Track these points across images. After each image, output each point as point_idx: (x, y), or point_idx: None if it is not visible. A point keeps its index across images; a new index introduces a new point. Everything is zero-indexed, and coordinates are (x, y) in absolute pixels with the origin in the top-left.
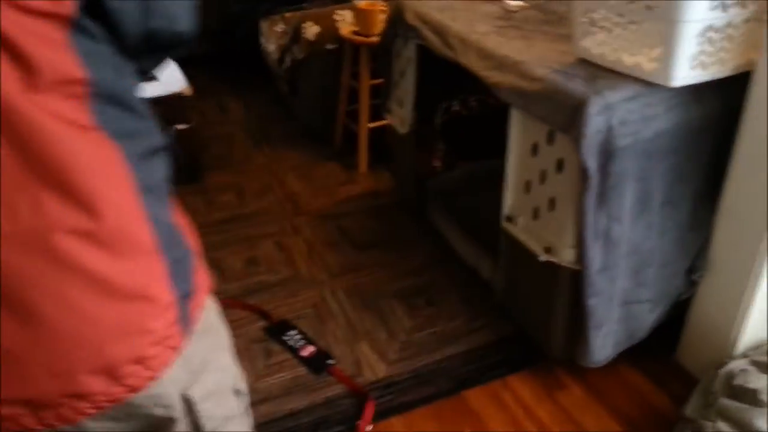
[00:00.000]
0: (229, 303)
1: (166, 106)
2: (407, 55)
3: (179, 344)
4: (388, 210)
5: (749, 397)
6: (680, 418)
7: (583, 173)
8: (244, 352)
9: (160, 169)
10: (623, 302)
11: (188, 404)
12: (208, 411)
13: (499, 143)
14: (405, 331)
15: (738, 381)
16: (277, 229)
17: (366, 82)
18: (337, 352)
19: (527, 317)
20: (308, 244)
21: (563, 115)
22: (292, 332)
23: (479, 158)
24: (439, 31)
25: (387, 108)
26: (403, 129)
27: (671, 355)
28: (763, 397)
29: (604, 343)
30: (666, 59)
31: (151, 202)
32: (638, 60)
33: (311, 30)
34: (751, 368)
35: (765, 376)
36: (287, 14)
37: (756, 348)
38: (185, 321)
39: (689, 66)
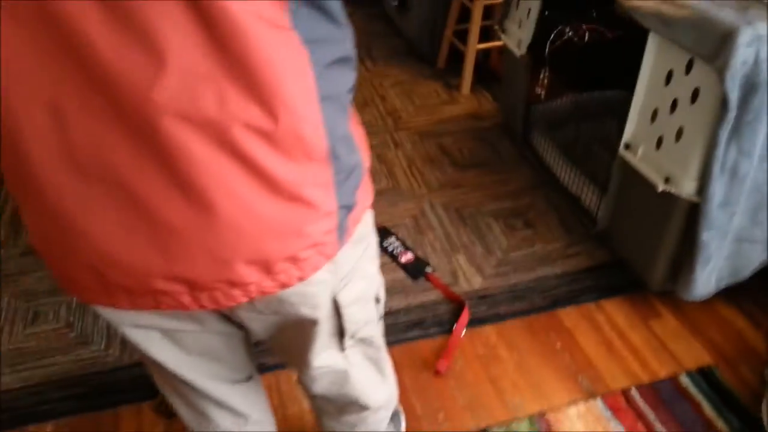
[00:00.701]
0: None
1: None
2: None
3: (332, 253)
4: (490, 132)
5: None
6: None
7: (723, 105)
8: None
9: (346, 79)
10: (736, 239)
11: (336, 307)
12: (351, 315)
13: (607, 75)
14: (501, 249)
15: None
16: (378, 141)
17: (481, 1)
18: (434, 261)
19: (630, 247)
20: (408, 158)
21: (709, 43)
22: (392, 239)
23: (585, 89)
24: None
25: (503, 28)
26: (519, 51)
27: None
28: None
29: (708, 278)
30: None
31: (330, 111)
32: None
33: None
34: None
35: None
36: None
37: None
38: (341, 231)
39: None
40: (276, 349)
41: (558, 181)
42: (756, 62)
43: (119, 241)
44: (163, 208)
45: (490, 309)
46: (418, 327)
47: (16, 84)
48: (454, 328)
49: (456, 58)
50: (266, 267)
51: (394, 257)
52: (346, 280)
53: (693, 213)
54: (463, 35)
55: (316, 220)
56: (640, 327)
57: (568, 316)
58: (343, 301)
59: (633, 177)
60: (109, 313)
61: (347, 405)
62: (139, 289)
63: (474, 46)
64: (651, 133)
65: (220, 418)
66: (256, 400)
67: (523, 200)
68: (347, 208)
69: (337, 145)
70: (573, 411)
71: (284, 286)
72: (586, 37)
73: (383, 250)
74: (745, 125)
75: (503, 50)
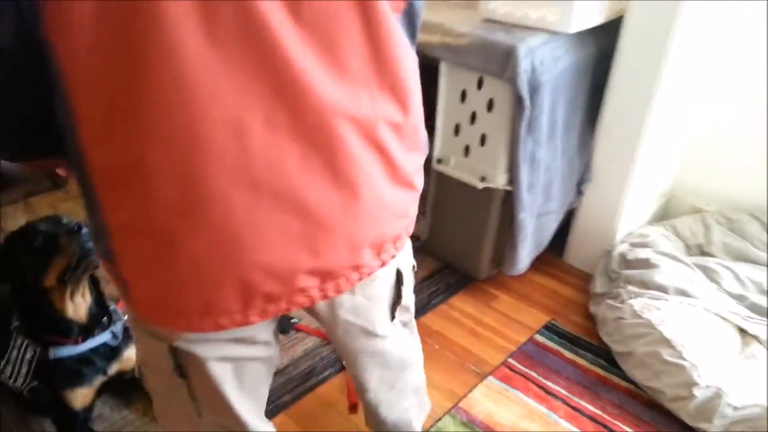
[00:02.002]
0: None
1: None
2: None
3: (412, 230)
4: None
5: (645, 263)
6: (592, 295)
7: (520, 105)
8: None
9: None
10: (538, 215)
11: (399, 278)
12: (407, 284)
13: None
14: None
15: (631, 256)
16: None
17: None
18: (295, 312)
19: (455, 249)
20: None
21: (495, 61)
22: None
23: None
24: None
25: None
26: None
27: (559, 258)
28: (655, 261)
29: (525, 253)
30: (566, 12)
31: None
32: (543, 13)
33: None
34: (633, 248)
35: (647, 249)
36: None
37: (627, 236)
38: (418, 210)
39: (582, 16)
40: (341, 339)
41: None
42: (533, 69)
43: (277, 247)
44: (320, 204)
45: None
46: (312, 375)
47: (204, 104)
48: (344, 363)
49: None
50: (378, 249)
51: None
52: (405, 251)
53: (507, 201)
54: None
55: (414, 202)
56: (487, 310)
57: (431, 320)
58: (403, 270)
59: (451, 184)
60: (204, 349)
61: (399, 373)
62: (280, 292)
63: None
64: (458, 145)
65: None
66: None
67: None
68: (421, 189)
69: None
70: (477, 394)
71: (383, 265)
72: None
73: None
74: (534, 120)
75: None
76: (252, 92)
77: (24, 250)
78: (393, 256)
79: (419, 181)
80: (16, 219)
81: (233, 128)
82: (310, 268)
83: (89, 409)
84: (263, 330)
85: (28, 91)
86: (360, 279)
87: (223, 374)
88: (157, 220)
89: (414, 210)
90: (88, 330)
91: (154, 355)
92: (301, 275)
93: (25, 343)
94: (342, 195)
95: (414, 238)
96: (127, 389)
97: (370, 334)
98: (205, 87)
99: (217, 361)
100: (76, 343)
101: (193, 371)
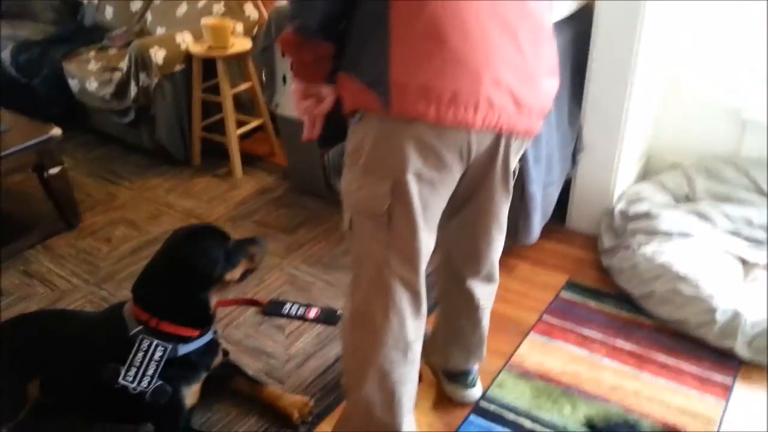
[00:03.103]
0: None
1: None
2: None
3: None
4: (288, 197)
5: (646, 215)
6: (603, 251)
7: None
8: (256, 335)
9: None
10: (543, 186)
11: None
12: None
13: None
14: None
15: (632, 211)
16: None
17: (229, 93)
18: (336, 307)
19: None
20: None
21: None
22: (287, 305)
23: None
24: None
25: (276, 103)
26: None
27: (562, 224)
28: (654, 212)
29: (537, 222)
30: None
31: None
32: None
33: (159, 54)
34: (631, 204)
35: (644, 203)
36: (94, 52)
37: (621, 195)
38: None
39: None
40: (490, 195)
41: None
42: None
43: (497, 61)
44: (523, 52)
45: None
46: None
47: None
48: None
49: (207, 151)
50: (539, 114)
51: (302, 318)
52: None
53: (519, 175)
54: (213, 128)
55: None
56: (510, 279)
57: None
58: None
59: None
60: (414, 182)
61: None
62: (496, 103)
63: (235, 133)
64: None
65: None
66: None
67: None
68: None
69: None
70: (524, 349)
71: (537, 130)
72: None
73: (287, 317)
74: None
75: (279, 123)
76: None
77: (220, 245)
78: (536, 133)
79: None
80: (40, 262)
81: None
82: (513, 91)
83: (192, 409)
84: (457, 169)
85: None
86: (526, 133)
87: (419, 210)
88: (438, 21)
89: None
90: (210, 323)
91: (373, 197)
92: (508, 93)
93: (153, 344)
94: (535, 61)
95: None
96: (210, 390)
97: (507, 194)
98: None
99: (419, 196)
100: (201, 336)
101: (400, 208)
